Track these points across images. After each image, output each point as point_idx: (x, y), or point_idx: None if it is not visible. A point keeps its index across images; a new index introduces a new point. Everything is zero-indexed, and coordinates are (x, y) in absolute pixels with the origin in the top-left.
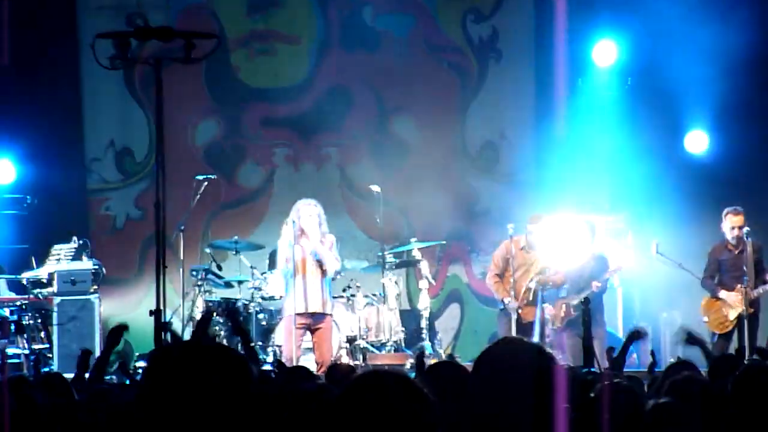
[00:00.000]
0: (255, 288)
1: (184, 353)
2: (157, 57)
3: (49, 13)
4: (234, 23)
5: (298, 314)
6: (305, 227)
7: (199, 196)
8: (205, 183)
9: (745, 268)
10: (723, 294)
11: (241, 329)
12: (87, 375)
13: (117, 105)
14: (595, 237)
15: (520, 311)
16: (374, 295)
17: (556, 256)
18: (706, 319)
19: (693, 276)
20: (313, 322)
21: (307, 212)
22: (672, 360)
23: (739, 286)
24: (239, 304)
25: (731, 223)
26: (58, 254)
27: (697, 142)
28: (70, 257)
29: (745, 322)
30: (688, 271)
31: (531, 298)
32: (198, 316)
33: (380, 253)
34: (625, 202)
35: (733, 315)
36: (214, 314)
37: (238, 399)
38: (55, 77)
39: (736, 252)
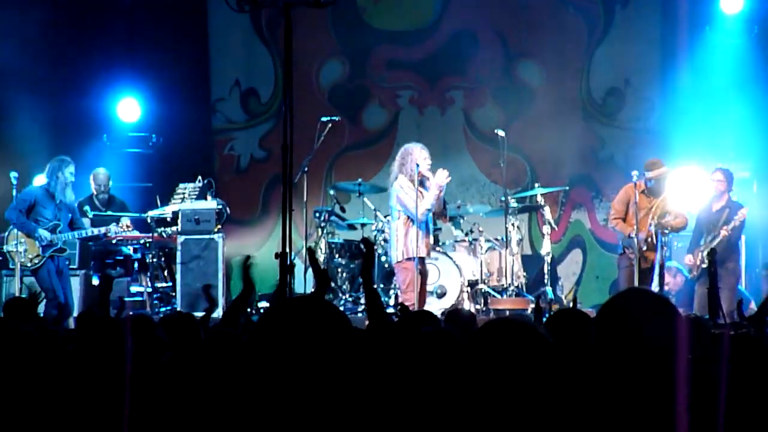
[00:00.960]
0: (378, 230)
1: (296, 309)
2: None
3: None
4: None
5: (420, 258)
6: (425, 173)
7: (323, 138)
8: (329, 125)
9: None
10: None
11: (367, 270)
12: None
13: (243, 46)
14: (732, 185)
15: (644, 249)
16: (497, 239)
17: (680, 201)
18: None
19: None
20: (422, 266)
21: (424, 156)
22: None
23: None
24: (362, 247)
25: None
26: (183, 193)
27: None
28: (195, 196)
29: None
30: None
31: (653, 242)
32: (321, 257)
33: (503, 198)
34: (750, 152)
35: None
36: (337, 256)
37: (337, 357)
38: (182, 16)
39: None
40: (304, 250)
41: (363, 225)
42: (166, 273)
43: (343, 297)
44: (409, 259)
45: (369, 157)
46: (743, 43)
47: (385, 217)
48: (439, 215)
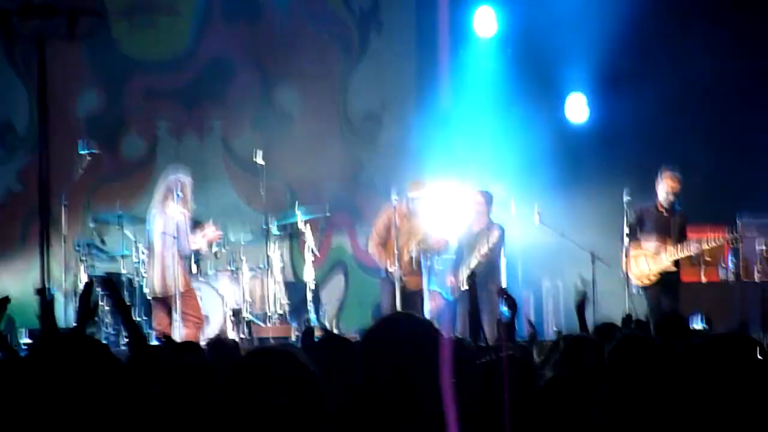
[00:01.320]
0: (139, 262)
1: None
2: (41, 35)
3: None
4: None
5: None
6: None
7: (82, 170)
8: (88, 157)
9: (670, 231)
10: (649, 245)
11: (121, 303)
12: None
13: None
14: (492, 206)
15: (404, 278)
16: (259, 267)
17: (440, 223)
18: (631, 273)
19: (574, 244)
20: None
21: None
22: (555, 329)
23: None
24: (123, 278)
25: (668, 187)
26: None
27: (577, 109)
28: None
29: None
30: (569, 240)
31: (415, 267)
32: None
33: (264, 225)
34: (508, 171)
35: (655, 268)
36: (97, 288)
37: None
38: None
39: (665, 215)
40: (63, 283)
41: (123, 256)
42: None
43: (106, 330)
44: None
45: (128, 187)
46: (498, 65)
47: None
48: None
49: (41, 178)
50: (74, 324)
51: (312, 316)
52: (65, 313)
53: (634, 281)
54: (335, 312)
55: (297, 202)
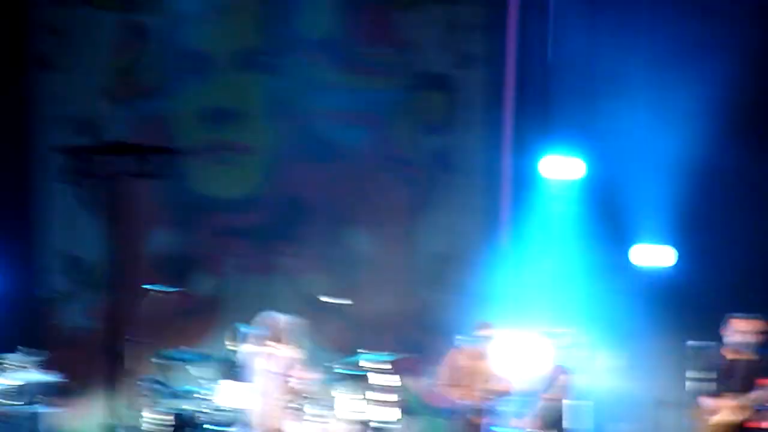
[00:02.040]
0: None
1: None
2: (113, 172)
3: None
4: (190, 134)
5: None
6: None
7: (150, 307)
8: (158, 294)
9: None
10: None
11: None
12: None
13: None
14: (561, 350)
15: (470, 418)
16: (325, 407)
17: (507, 366)
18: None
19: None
20: None
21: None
22: None
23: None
24: (188, 414)
25: (743, 330)
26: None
27: (647, 255)
28: None
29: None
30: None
31: (482, 408)
32: None
33: (332, 366)
34: (578, 316)
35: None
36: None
37: None
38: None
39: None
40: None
41: (189, 393)
42: None
43: None
44: None
45: (196, 325)
46: (569, 207)
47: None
48: None
49: (109, 315)
50: None
51: None
52: None
53: None
54: None
55: (365, 343)
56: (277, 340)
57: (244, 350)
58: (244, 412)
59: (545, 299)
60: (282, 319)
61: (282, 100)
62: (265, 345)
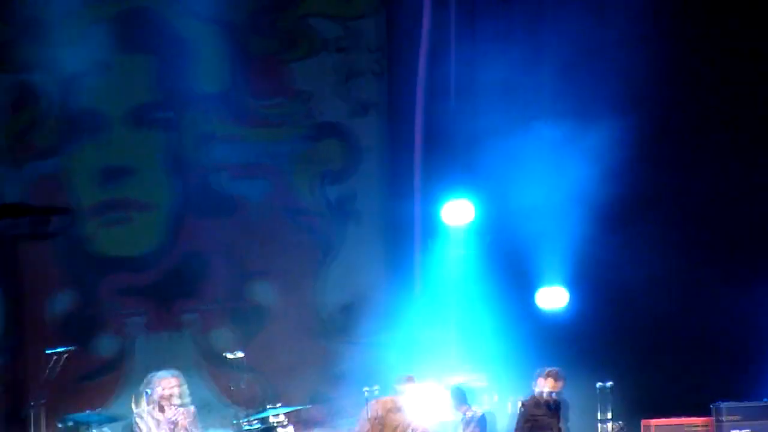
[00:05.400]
0: None
1: None
2: (11, 234)
3: None
4: (87, 193)
5: None
6: (163, 400)
7: (54, 370)
8: (65, 355)
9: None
10: None
11: None
12: None
13: None
14: (468, 398)
15: None
16: None
17: (425, 418)
18: None
19: None
20: None
21: (168, 384)
22: None
23: None
24: None
25: (553, 387)
26: None
27: (550, 297)
28: None
29: None
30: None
31: None
32: None
33: (241, 420)
34: (483, 361)
35: None
36: None
37: None
38: None
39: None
40: None
41: None
42: None
43: None
44: None
45: (101, 386)
46: (470, 252)
47: None
48: None
49: (12, 380)
50: None
51: None
52: None
53: None
54: None
55: (273, 396)
56: (167, 399)
57: (137, 411)
58: None
59: (452, 345)
60: (169, 377)
61: (178, 156)
62: (155, 405)
